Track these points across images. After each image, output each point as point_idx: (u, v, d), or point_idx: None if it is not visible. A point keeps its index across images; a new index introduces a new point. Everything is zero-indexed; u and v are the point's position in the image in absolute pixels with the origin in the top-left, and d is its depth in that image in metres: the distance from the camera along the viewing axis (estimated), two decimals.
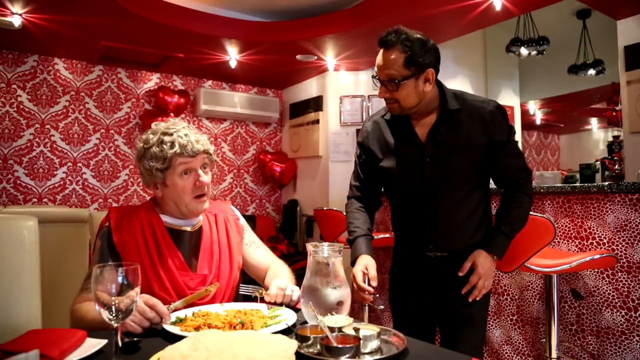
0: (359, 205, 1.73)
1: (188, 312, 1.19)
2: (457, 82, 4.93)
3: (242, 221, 1.62)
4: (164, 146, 1.36)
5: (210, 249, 1.45)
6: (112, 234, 1.35)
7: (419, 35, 1.49)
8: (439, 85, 1.58)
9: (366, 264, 1.55)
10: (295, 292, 1.31)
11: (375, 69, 1.53)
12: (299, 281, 1.32)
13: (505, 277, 2.62)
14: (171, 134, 1.38)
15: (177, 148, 1.36)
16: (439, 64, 1.54)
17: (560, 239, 2.34)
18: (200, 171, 1.41)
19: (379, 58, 1.51)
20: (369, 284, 1.50)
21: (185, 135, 1.39)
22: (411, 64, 1.46)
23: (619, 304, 2.12)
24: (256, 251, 1.58)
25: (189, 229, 1.45)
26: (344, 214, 1.82)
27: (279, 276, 1.44)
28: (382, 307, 3.39)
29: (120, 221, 1.37)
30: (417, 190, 1.59)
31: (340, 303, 1.09)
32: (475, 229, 1.62)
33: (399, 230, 1.75)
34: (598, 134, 8.76)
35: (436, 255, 1.62)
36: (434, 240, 1.60)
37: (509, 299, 2.61)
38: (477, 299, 1.58)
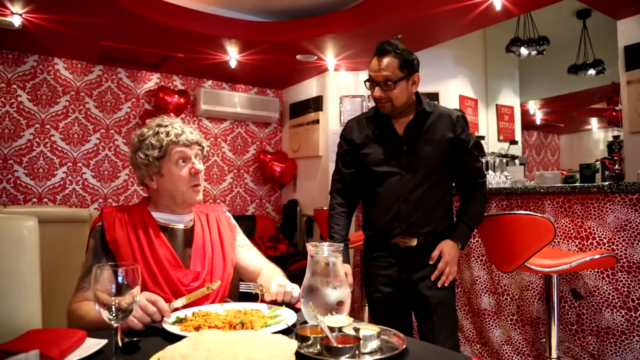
0: (341, 209, 1.95)
1: (188, 312, 1.19)
2: (457, 82, 4.92)
3: (234, 221, 1.64)
4: (161, 135, 1.41)
5: (203, 246, 1.46)
6: (105, 233, 1.36)
7: (405, 47, 1.80)
8: (416, 93, 1.87)
9: (345, 272, 1.76)
10: (295, 289, 1.32)
11: (370, 73, 1.80)
12: (296, 281, 1.32)
13: (505, 277, 2.62)
14: (166, 125, 1.44)
15: (172, 136, 1.41)
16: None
17: (560, 239, 2.34)
18: (194, 159, 1.45)
19: (375, 63, 1.78)
20: None
21: (180, 127, 1.45)
22: (404, 67, 1.76)
23: (619, 304, 2.12)
24: (248, 253, 1.59)
25: (181, 226, 1.47)
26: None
27: (274, 277, 1.44)
28: None
29: (112, 220, 1.39)
30: (394, 175, 1.83)
31: (340, 303, 1.09)
32: (441, 217, 1.87)
33: (372, 217, 1.93)
34: (598, 134, 8.76)
35: (405, 245, 1.83)
36: (406, 222, 1.81)
37: (509, 299, 2.61)
38: (446, 284, 1.81)
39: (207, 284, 1.31)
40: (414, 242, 1.82)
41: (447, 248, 1.81)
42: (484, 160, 2.93)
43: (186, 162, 1.44)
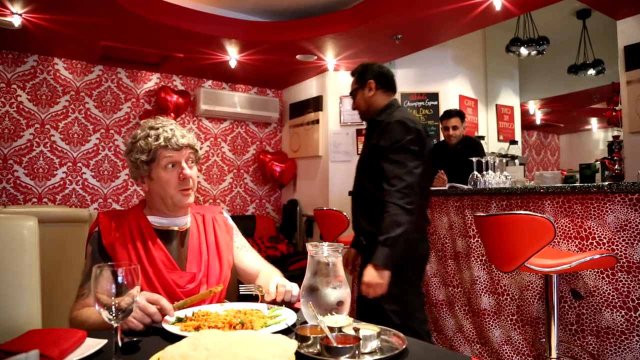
0: None
1: (188, 312, 1.19)
2: (457, 82, 4.92)
3: (231, 222, 1.64)
4: (150, 139, 1.41)
5: (199, 248, 1.47)
6: (102, 238, 1.37)
7: (369, 63, 2.15)
8: (390, 104, 2.08)
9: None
10: (294, 288, 1.32)
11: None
12: (296, 281, 1.32)
13: (505, 277, 2.62)
14: (157, 129, 1.43)
15: (161, 141, 1.40)
16: (385, 79, 2.10)
17: (560, 239, 2.34)
18: (184, 164, 1.43)
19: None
20: None
21: (171, 130, 1.43)
22: (359, 80, 2.14)
23: (619, 304, 2.12)
24: (247, 255, 1.59)
25: (176, 229, 1.48)
26: (344, 213, 2.53)
27: (272, 278, 1.44)
28: None
29: (109, 225, 1.40)
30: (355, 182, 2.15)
31: (340, 303, 1.09)
32: (370, 223, 1.98)
33: None
34: (598, 134, 8.76)
35: (362, 244, 2.15)
36: (351, 222, 2.17)
37: (509, 299, 2.61)
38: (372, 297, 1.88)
39: (211, 288, 1.32)
40: (364, 241, 2.10)
41: (366, 271, 1.86)
42: (483, 160, 2.92)
43: (175, 167, 1.43)
